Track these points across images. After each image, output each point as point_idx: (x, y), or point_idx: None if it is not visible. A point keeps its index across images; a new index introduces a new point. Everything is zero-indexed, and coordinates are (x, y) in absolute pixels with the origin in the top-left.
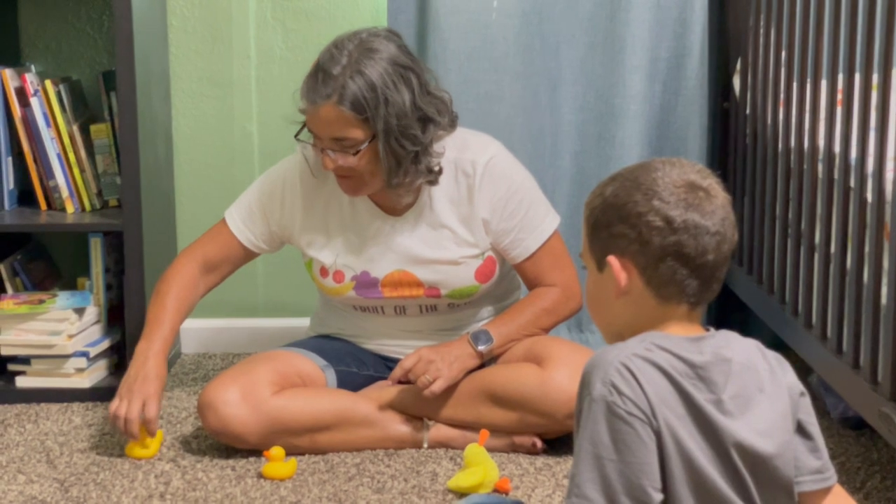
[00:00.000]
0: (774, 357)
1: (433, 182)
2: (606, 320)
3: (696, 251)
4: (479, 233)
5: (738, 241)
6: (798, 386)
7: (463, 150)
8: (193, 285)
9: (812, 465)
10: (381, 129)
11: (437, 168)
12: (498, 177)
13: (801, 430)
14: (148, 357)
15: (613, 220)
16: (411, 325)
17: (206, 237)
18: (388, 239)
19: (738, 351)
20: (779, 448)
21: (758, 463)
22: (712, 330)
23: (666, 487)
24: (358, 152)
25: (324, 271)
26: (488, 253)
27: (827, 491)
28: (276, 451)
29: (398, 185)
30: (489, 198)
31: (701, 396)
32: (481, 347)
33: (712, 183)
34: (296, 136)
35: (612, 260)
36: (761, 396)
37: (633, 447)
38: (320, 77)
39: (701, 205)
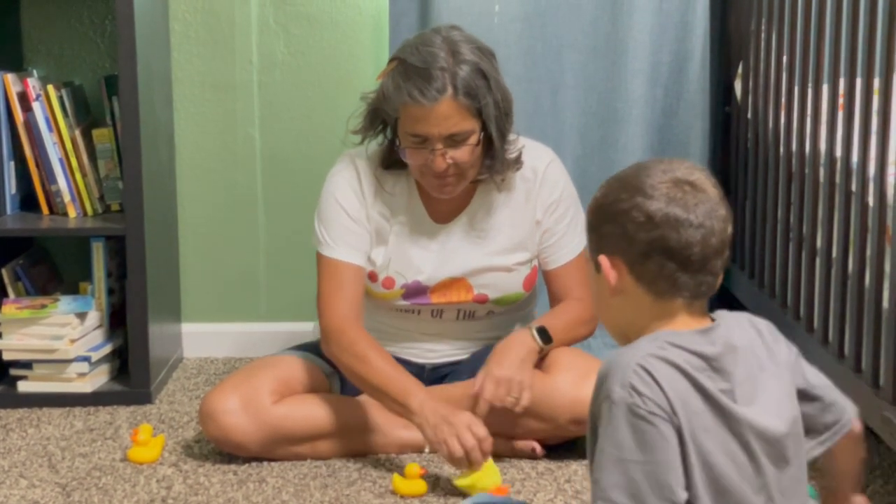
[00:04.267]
0: (766, 327)
1: (519, 168)
2: (609, 320)
3: (679, 244)
4: (530, 238)
5: (733, 241)
6: (792, 350)
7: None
8: (371, 338)
9: (826, 420)
10: (492, 114)
11: (515, 155)
12: (554, 181)
13: (805, 395)
14: (431, 402)
15: (603, 220)
16: (440, 329)
17: (333, 288)
18: (442, 247)
19: (738, 335)
20: (790, 425)
21: (773, 445)
22: (719, 313)
23: (689, 486)
24: (478, 143)
25: (373, 276)
26: (535, 262)
27: (849, 435)
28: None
29: (498, 172)
30: (545, 199)
31: (715, 387)
32: (546, 346)
33: (700, 177)
34: (396, 146)
35: (603, 259)
36: (764, 375)
37: (658, 446)
38: (432, 73)
39: (684, 198)
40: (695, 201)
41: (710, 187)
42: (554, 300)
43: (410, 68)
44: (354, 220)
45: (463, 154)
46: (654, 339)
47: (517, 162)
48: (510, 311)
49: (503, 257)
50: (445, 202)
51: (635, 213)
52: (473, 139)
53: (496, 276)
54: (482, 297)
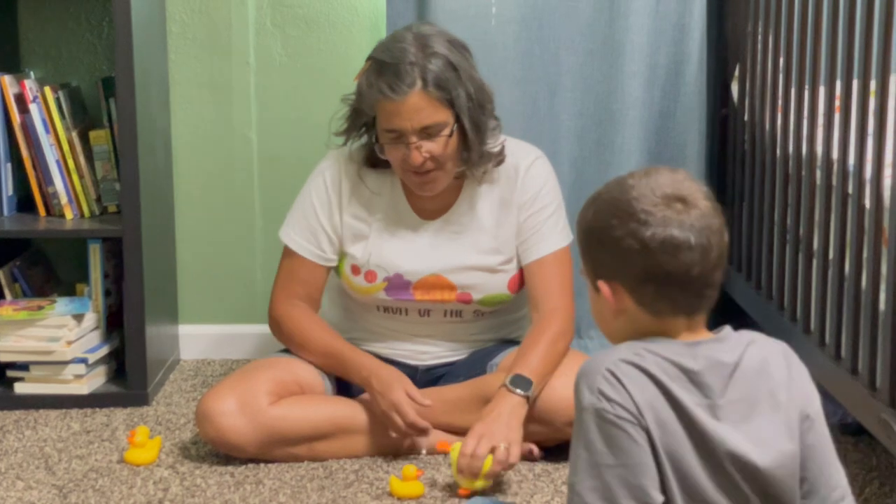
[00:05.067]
0: (798, 364)
1: (500, 163)
2: (613, 336)
3: (677, 269)
4: (513, 237)
5: (730, 244)
6: (811, 405)
7: (508, 156)
8: (318, 319)
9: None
10: (464, 105)
11: (497, 149)
12: (535, 176)
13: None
14: (372, 369)
15: (595, 245)
16: (429, 330)
17: (286, 277)
18: (425, 243)
19: (749, 355)
20: (778, 458)
21: (754, 473)
22: (727, 330)
23: (664, 489)
24: (451, 134)
25: (355, 269)
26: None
27: None
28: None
29: (476, 165)
30: (523, 195)
31: (691, 400)
32: (528, 392)
33: (691, 189)
34: (374, 144)
35: (602, 285)
36: (769, 403)
37: (629, 450)
38: (402, 69)
39: (679, 219)
40: (689, 220)
41: (701, 200)
42: (532, 304)
43: (382, 65)
44: (322, 223)
45: (438, 146)
46: (633, 346)
47: (499, 155)
48: (500, 313)
49: (487, 257)
50: (431, 199)
51: (630, 240)
52: (447, 131)
53: (479, 275)
54: (466, 296)
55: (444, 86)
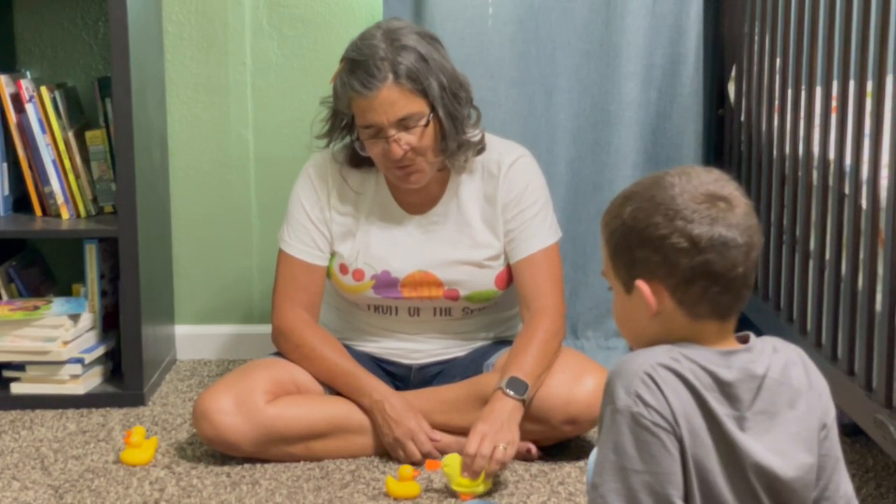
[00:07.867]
0: (815, 372)
1: (481, 151)
2: (636, 337)
3: (725, 267)
4: (498, 233)
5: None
6: (828, 415)
7: (490, 152)
8: (323, 335)
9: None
10: (437, 95)
11: (476, 139)
12: (519, 175)
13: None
14: (381, 404)
15: (636, 244)
16: (420, 328)
17: (287, 285)
18: (412, 239)
19: (774, 365)
20: (798, 470)
21: (775, 484)
22: (753, 338)
23: (687, 498)
24: (427, 124)
25: (343, 268)
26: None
27: None
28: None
29: (455, 154)
30: (507, 191)
31: (722, 410)
32: (524, 396)
33: (732, 191)
34: (355, 142)
35: (641, 284)
36: (790, 413)
37: (659, 457)
38: (373, 64)
39: (725, 217)
40: (735, 219)
41: (741, 199)
42: (523, 302)
43: (354, 64)
44: (313, 220)
45: (415, 137)
46: (669, 350)
47: (479, 144)
48: (491, 311)
49: (473, 251)
50: (417, 194)
51: (676, 238)
52: (423, 121)
53: (466, 270)
54: (453, 293)
55: (415, 77)
